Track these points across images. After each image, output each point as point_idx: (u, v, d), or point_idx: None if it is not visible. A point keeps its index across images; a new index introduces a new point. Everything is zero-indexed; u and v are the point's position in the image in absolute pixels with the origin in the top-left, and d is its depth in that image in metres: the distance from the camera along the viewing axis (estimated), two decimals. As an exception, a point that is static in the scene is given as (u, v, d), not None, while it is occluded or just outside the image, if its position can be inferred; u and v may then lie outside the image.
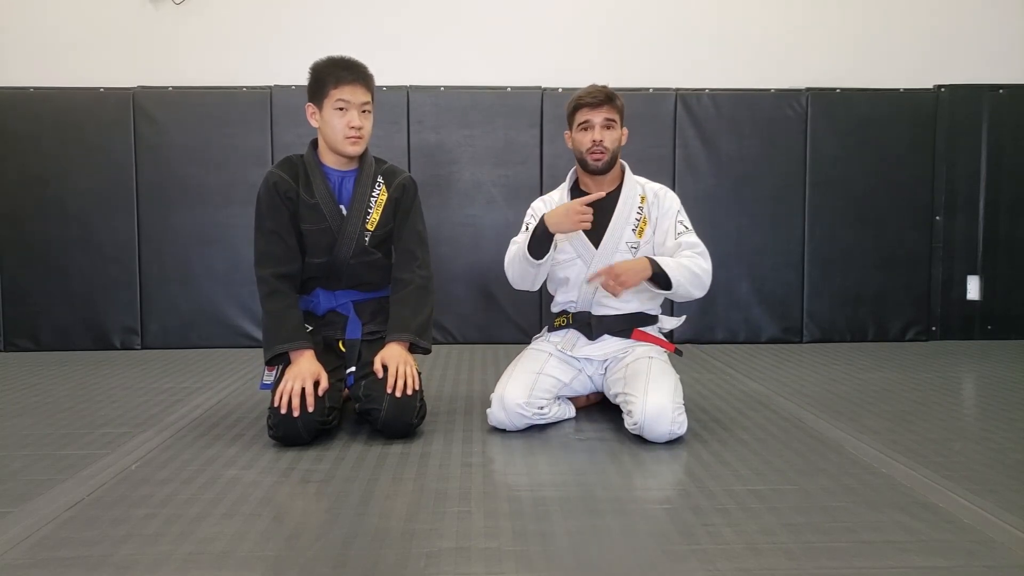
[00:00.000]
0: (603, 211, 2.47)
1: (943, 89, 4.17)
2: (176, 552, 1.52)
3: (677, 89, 4.12)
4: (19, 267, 3.98)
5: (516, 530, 1.64)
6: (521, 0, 4.26)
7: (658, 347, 2.54)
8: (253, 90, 4.04)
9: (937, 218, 4.20)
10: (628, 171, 2.60)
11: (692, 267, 2.40)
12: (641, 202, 2.54)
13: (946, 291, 4.21)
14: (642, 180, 2.61)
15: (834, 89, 4.16)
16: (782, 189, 4.15)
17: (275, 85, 4.03)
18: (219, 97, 4.02)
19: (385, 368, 2.30)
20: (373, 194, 2.46)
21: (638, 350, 2.50)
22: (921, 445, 2.24)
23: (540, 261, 2.39)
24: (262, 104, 4.01)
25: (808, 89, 4.16)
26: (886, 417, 2.58)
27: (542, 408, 2.42)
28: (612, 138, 2.48)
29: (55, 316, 3.98)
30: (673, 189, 3.97)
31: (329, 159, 2.45)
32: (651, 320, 2.59)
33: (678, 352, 2.62)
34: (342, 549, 1.55)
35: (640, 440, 2.29)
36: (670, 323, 2.65)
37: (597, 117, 2.47)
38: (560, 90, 4.11)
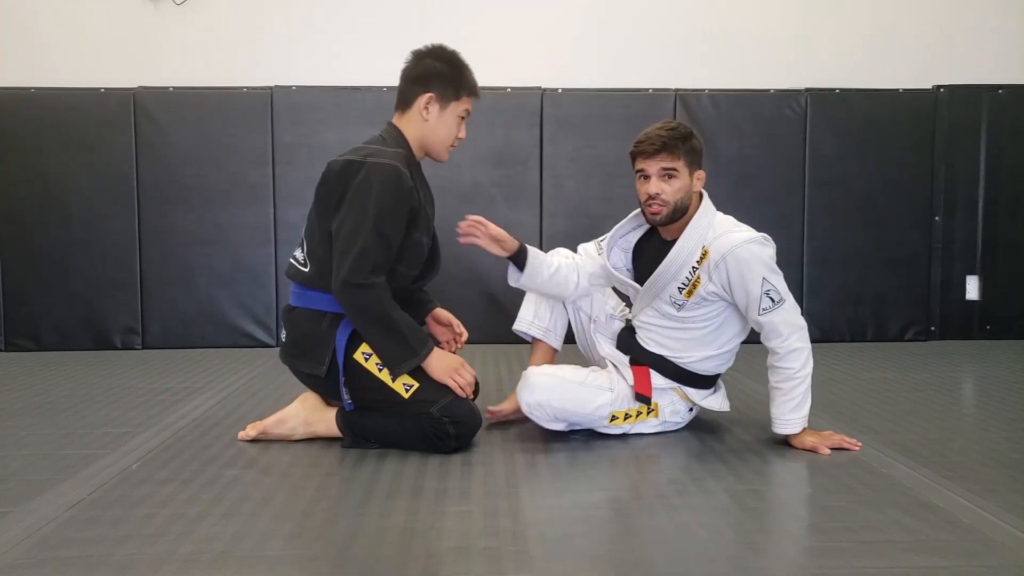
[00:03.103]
0: (660, 250, 2.25)
1: (943, 89, 4.17)
2: (176, 552, 1.52)
3: (677, 89, 4.12)
4: (19, 267, 3.98)
5: (516, 530, 1.64)
6: (521, 0, 4.26)
7: (627, 384, 2.29)
8: (253, 90, 4.04)
9: (936, 218, 4.20)
10: (699, 216, 2.21)
11: (802, 388, 2.15)
12: (699, 261, 2.18)
13: (945, 291, 4.21)
14: (723, 227, 2.20)
15: (834, 89, 4.16)
16: (782, 189, 4.15)
17: (275, 85, 4.04)
18: (219, 97, 4.02)
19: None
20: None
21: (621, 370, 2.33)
22: (921, 445, 2.24)
23: (519, 280, 2.38)
24: (262, 104, 4.01)
25: (808, 89, 4.16)
26: (886, 417, 2.58)
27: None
28: (674, 189, 2.16)
29: (55, 316, 3.98)
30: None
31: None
32: (681, 375, 2.31)
33: (645, 400, 2.29)
34: (342, 549, 1.55)
35: (639, 441, 2.30)
36: (712, 404, 2.36)
37: (653, 167, 2.17)
38: (560, 90, 4.11)
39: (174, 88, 4.03)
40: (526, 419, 2.37)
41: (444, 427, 2.11)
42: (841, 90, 4.16)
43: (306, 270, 2.23)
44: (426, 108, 2.21)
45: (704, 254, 2.18)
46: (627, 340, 2.39)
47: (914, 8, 4.33)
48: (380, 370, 2.13)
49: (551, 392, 2.24)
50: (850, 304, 4.18)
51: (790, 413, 2.18)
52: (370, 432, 2.19)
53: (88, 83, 4.04)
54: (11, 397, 2.93)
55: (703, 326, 2.28)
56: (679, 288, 2.22)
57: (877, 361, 3.62)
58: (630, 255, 2.39)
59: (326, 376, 2.16)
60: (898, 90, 4.19)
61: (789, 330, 2.16)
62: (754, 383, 3.11)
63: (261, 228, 4.04)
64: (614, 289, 2.55)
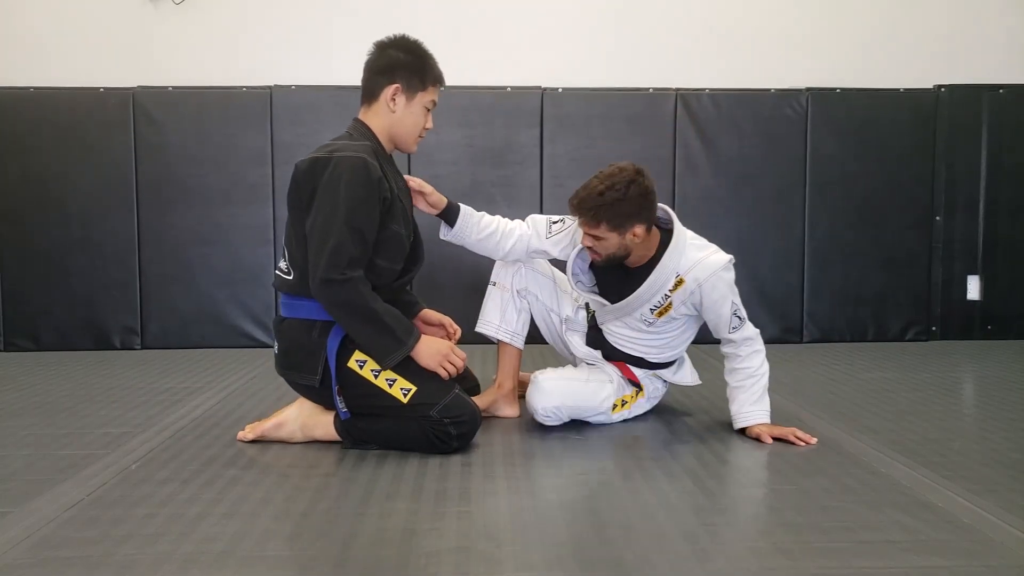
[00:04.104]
0: (631, 278, 2.35)
1: (943, 89, 4.17)
2: (176, 552, 1.52)
3: (677, 89, 4.12)
4: (19, 267, 3.98)
5: (516, 530, 1.64)
6: (522, 0, 4.26)
7: (617, 373, 2.48)
8: (253, 90, 4.04)
9: (937, 218, 4.20)
10: (674, 246, 2.29)
11: (761, 383, 2.31)
12: (673, 289, 2.31)
13: (946, 291, 4.21)
14: (693, 253, 2.30)
15: (834, 89, 4.16)
16: (782, 189, 4.15)
17: (275, 85, 4.04)
18: (219, 97, 4.02)
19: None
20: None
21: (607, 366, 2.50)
22: (921, 445, 2.24)
23: (447, 234, 2.44)
24: (262, 104, 4.01)
25: (808, 89, 4.16)
26: (886, 417, 2.58)
27: None
28: (602, 246, 2.25)
29: (55, 316, 3.98)
30: (673, 190, 4.08)
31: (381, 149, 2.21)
32: (652, 365, 2.51)
33: (638, 386, 2.51)
34: (342, 549, 1.55)
35: (639, 441, 2.30)
36: (684, 379, 2.60)
37: (582, 226, 2.27)
38: (560, 90, 4.11)
39: (173, 88, 4.03)
40: (505, 418, 2.53)
41: (445, 428, 2.11)
42: (842, 90, 4.16)
43: (290, 278, 2.19)
44: (392, 99, 2.19)
45: (679, 282, 2.31)
46: (596, 338, 2.54)
47: (915, 8, 4.32)
48: (376, 376, 2.11)
49: (566, 394, 2.37)
50: (850, 304, 4.18)
51: (750, 406, 2.31)
52: (369, 435, 2.19)
53: (87, 83, 4.04)
54: (11, 397, 2.93)
55: (670, 333, 2.46)
56: (651, 309, 2.37)
57: (877, 361, 3.62)
58: (587, 262, 2.46)
59: (320, 386, 2.14)
60: (899, 90, 4.19)
61: (753, 337, 2.35)
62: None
63: (261, 228, 4.04)
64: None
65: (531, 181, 4.10)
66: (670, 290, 2.31)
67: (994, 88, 4.18)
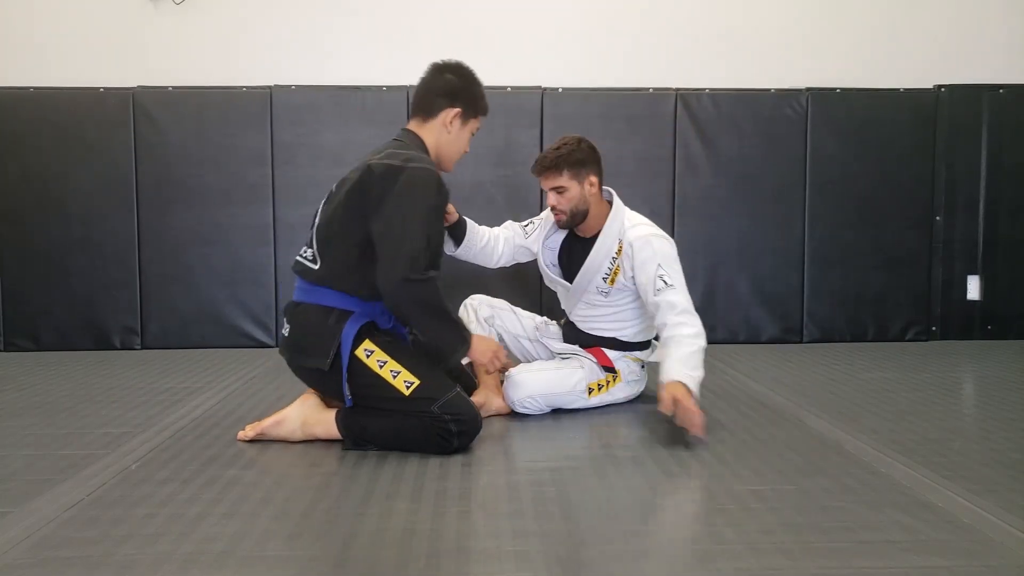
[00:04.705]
0: (582, 250, 2.62)
1: (943, 89, 4.17)
2: (176, 552, 1.52)
3: (677, 89, 4.12)
4: (19, 267, 3.98)
5: (516, 530, 1.64)
6: (522, 0, 4.26)
7: (591, 360, 2.66)
8: (253, 90, 4.04)
9: (937, 218, 4.20)
10: (614, 213, 2.59)
11: (690, 349, 2.31)
12: (617, 254, 2.56)
13: (946, 291, 4.21)
14: (631, 221, 2.58)
15: (834, 89, 4.16)
16: (782, 189, 4.15)
17: (275, 85, 4.04)
18: (219, 97, 4.02)
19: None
20: None
21: (584, 358, 2.69)
22: (921, 445, 2.24)
23: (455, 250, 2.73)
24: (262, 104, 4.01)
25: (808, 89, 4.16)
26: (886, 417, 2.58)
27: None
28: (567, 199, 2.56)
29: (55, 316, 3.98)
30: (673, 190, 4.08)
31: None
32: (626, 345, 2.69)
33: (610, 369, 2.68)
34: (342, 549, 1.55)
35: (639, 442, 2.30)
36: (658, 358, 2.72)
37: (546, 185, 2.59)
38: (560, 90, 4.11)
39: (173, 88, 4.03)
40: (498, 413, 2.59)
41: (446, 425, 2.11)
42: (842, 90, 4.16)
43: (316, 267, 2.23)
44: (451, 122, 2.33)
45: (620, 246, 2.55)
46: (571, 333, 2.76)
47: (915, 8, 4.32)
48: (381, 367, 2.15)
49: (536, 384, 2.56)
50: (850, 304, 4.18)
51: (677, 363, 2.26)
52: (370, 435, 2.19)
53: (87, 83, 4.04)
54: (11, 397, 2.93)
55: (630, 304, 2.63)
56: (603, 278, 2.58)
57: (877, 361, 3.62)
58: (556, 253, 2.76)
59: (329, 370, 2.16)
60: (899, 90, 4.19)
61: (683, 306, 2.39)
62: (754, 383, 3.11)
63: (261, 228, 4.04)
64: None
65: (531, 181, 4.07)
66: (615, 254, 2.55)
67: (994, 88, 4.18)
